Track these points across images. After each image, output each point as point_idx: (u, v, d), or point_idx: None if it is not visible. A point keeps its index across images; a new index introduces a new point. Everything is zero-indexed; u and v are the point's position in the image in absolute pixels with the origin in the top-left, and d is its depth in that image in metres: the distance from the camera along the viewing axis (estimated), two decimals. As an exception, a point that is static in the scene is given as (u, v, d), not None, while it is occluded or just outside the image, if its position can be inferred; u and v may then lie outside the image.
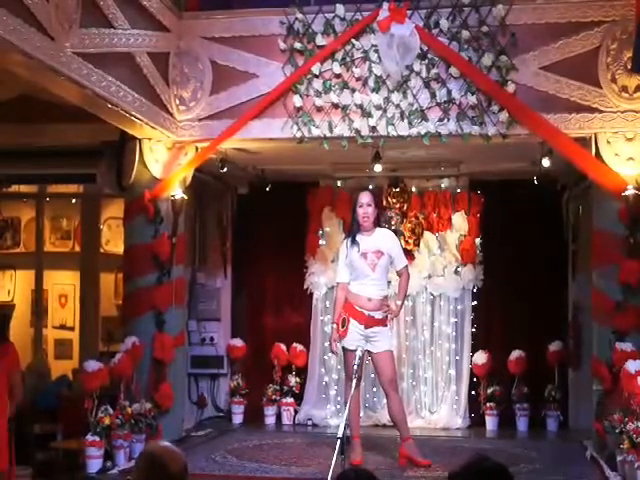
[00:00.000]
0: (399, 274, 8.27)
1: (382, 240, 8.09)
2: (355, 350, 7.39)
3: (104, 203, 12.99)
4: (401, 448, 8.09)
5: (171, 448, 3.74)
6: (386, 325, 8.10)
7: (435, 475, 7.65)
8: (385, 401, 10.17)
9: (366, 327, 7.94)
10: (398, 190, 10.64)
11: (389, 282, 8.71)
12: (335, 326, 8.06)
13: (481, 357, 10.29)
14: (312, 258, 10.87)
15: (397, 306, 8.23)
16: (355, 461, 7.64)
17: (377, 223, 8.16)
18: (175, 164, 9.01)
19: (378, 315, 7.97)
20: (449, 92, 8.51)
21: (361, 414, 8.80)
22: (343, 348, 8.03)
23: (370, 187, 10.59)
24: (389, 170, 10.29)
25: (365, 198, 8.06)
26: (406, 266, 8.25)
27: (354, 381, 6.74)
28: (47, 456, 8.88)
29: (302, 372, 10.78)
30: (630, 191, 8.05)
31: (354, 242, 8.03)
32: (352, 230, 8.17)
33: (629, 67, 8.07)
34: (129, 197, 9.04)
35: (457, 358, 10.52)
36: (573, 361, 10.04)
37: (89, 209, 13.08)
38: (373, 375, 10.20)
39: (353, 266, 8.03)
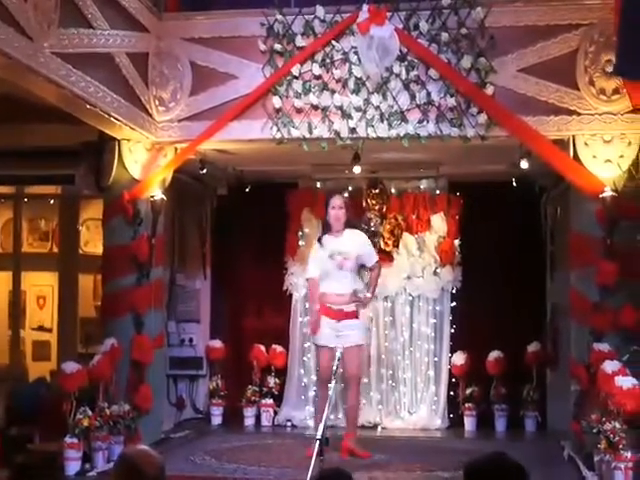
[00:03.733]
0: (371, 270, 8.67)
1: (350, 241, 8.49)
2: (325, 347, 8.17)
3: (83, 204, 12.90)
4: (344, 441, 8.31)
5: (147, 452, 3.74)
6: (357, 317, 8.39)
7: (414, 475, 7.67)
8: (365, 401, 10.27)
9: (337, 321, 8.32)
10: (377, 191, 10.65)
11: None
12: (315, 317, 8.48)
13: (460, 358, 10.33)
14: (291, 259, 10.87)
15: (366, 297, 8.56)
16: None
17: (347, 225, 8.57)
18: (154, 165, 8.99)
19: (347, 308, 8.34)
20: (428, 94, 8.53)
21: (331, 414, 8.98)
22: (315, 345, 8.52)
23: (349, 188, 10.68)
24: (368, 171, 10.31)
25: (337, 201, 8.55)
26: (377, 261, 8.68)
27: (333, 382, 6.74)
28: (25, 458, 8.81)
29: (281, 373, 10.77)
30: (607, 193, 8.09)
31: (325, 243, 8.51)
32: (323, 231, 8.66)
33: (607, 70, 8.12)
34: (108, 198, 9.01)
35: (436, 359, 10.54)
36: (551, 362, 10.08)
37: (68, 210, 12.99)
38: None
39: (322, 266, 8.45)
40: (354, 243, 8.49)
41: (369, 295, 8.63)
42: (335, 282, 8.41)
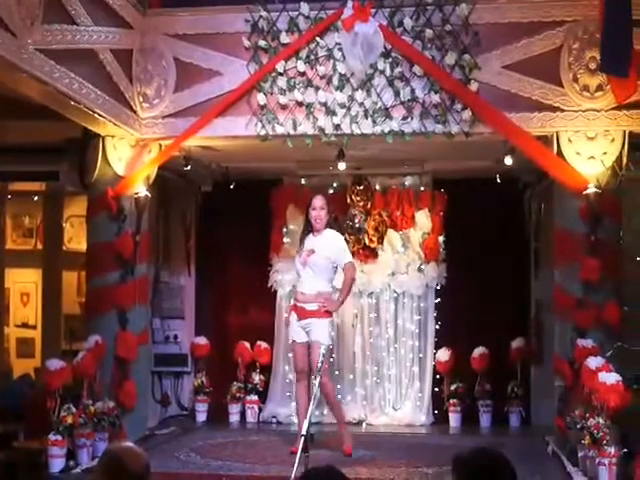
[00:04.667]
0: (343, 271, 8.54)
1: (322, 241, 8.50)
2: (295, 342, 8.45)
3: (67, 201, 12.88)
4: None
5: (131, 448, 3.73)
6: (321, 317, 8.34)
7: (399, 471, 7.68)
8: (349, 397, 10.29)
9: (299, 318, 8.43)
10: (362, 188, 10.64)
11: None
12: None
13: (444, 354, 10.36)
14: (276, 256, 10.86)
15: (336, 301, 8.50)
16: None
17: (332, 225, 8.66)
18: (139, 162, 8.97)
19: (310, 307, 8.38)
20: (413, 91, 8.54)
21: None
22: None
23: (334, 185, 10.70)
24: (353, 168, 10.31)
25: (318, 202, 8.58)
26: (349, 262, 8.55)
27: (318, 378, 6.73)
28: (9, 456, 8.80)
29: (266, 370, 10.77)
30: (591, 189, 8.13)
31: (305, 242, 8.60)
32: (306, 230, 8.71)
33: (591, 67, 8.16)
34: (92, 195, 8.98)
35: (421, 355, 10.56)
36: (535, 358, 10.12)
37: (51, 207, 12.96)
38: (337, 372, 10.26)
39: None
40: (327, 243, 8.47)
41: (340, 298, 8.50)
42: (301, 280, 8.55)
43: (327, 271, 8.50)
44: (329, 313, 8.41)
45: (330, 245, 8.48)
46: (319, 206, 8.52)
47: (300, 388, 8.58)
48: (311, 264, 8.42)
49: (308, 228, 8.63)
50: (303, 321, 8.39)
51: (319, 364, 6.69)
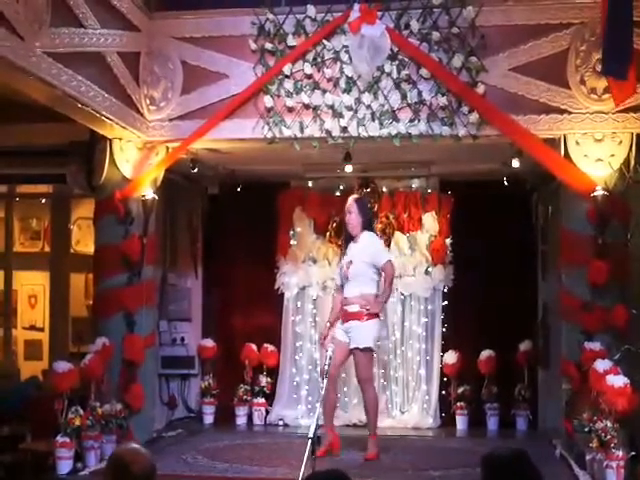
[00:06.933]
0: (383, 271, 8.40)
1: (358, 247, 8.41)
2: (334, 338, 8.22)
3: (74, 203, 12.90)
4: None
5: (136, 450, 3.74)
6: (362, 319, 8.23)
7: (406, 474, 7.68)
8: (356, 400, 10.28)
9: (343, 322, 8.32)
10: (369, 190, 10.65)
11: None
12: (328, 324, 8.61)
13: (451, 357, 10.34)
14: (283, 258, 10.87)
15: (376, 301, 8.32)
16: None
17: (365, 227, 8.47)
18: (146, 164, 8.99)
19: (352, 308, 8.27)
20: (420, 93, 8.54)
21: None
22: None
23: (341, 187, 10.72)
24: (360, 171, 10.32)
25: (347, 205, 8.54)
26: (388, 261, 8.42)
27: (325, 380, 6.74)
28: (16, 458, 8.82)
29: (273, 372, 10.77)
30: (599, 192, 8.11)
31: (348, 250, 8.53)
32: (345, 236, 8.79)
33: (598, 69, 8.13)
34: (99, 197, 9.00)
35: (428, 358, 10.56)
36: (542, 361, 10.10)
37: (59, 209, 12.99)
38: (344, 375, 10.25)
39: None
40: (363, 249, 8.37)
41: (380, 299, 8.38)
42: (346, 288, 8.40)
43: (368, 275, 8.37)
44: (373, 315, 8.31)
45: (366, 250, 8.38)
46: (347, 210, 8.49)
47: (328, 389, 7.94)
48: (351, 275, 8.35)
49: (347, 234, 8.63)
50: (346, 324, 8.31)
51: (326, 366, 6.68)
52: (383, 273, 8.42)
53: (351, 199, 8.63)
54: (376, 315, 8.37)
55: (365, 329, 8.26)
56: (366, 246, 8.40)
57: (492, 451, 3.59)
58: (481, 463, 3.57)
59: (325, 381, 6.73)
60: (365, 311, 8.25)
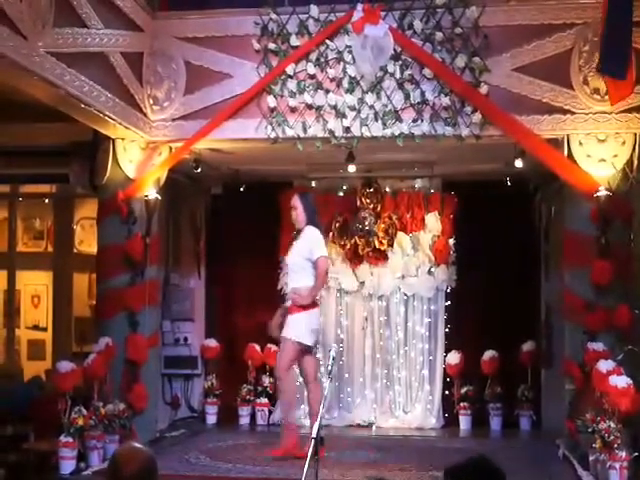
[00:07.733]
0: (315, 265, 8.27)
1: (299, 242, 8.42)
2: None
3: (77, 203, 12.91)
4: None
5: (132, 449, 3.70)
6: (292, 313, 8.24)
7: (409, 474, 7.67)
8: (359, 400, 10.27)
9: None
10: (372, 190, 10.65)
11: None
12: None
13: (454, 357, 10.35)
14: (286, 258, 10.83)
15: (304, 292, 8.22)
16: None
17: (308, 222, 8.37)
18: (149, 164, 8.99)
19: (288, 302, 8.39)
20: (423, 93, 8.54)
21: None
22: None
23: (344, 187, 10.71)
24: (363, 171, 10.32)
25: (291, 200, 8.53)
26: (321, 256, 8.27)
27: (327, 380, 6.73)
28: (19, 457, 8.81)
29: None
30: (602, 192, 8.12)
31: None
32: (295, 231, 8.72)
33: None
34: (102, 197, 9.01)
35: (431, 358, 10.56)
36: (545, 361, 10.09)
37: (62, 209, 13.00)
38: (347, 375, 10.26)
39: None
40: (302, 242, 8.37)
41: (308, 291, 8.23)
42: (288, 280, 8.59)
43: (304, 268, 8.31)
44: (302, 307, 8.22)
45: (305, 244, 8.34)
46: (292, 206, 8.47)
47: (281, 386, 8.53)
48: (289, 269, 8.46)
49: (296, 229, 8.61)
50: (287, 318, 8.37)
51: (329, 367, 6.66)
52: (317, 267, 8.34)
53: (295, 195, 8.61)
54: (304, 308, 8.23)
55: (292, 322, 8.25)
56: (305, 241, 8.37)
57: (454, 463, 3.57)
58: (444, 476, 3.56)
59: (327, 382, 6.72)
60: (295, 305, 8.24)
